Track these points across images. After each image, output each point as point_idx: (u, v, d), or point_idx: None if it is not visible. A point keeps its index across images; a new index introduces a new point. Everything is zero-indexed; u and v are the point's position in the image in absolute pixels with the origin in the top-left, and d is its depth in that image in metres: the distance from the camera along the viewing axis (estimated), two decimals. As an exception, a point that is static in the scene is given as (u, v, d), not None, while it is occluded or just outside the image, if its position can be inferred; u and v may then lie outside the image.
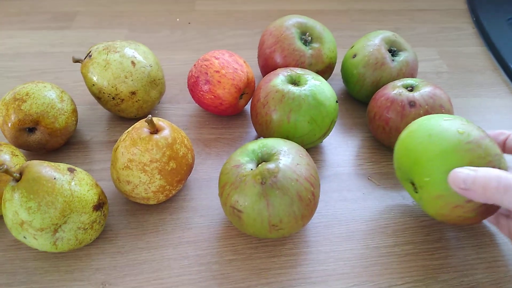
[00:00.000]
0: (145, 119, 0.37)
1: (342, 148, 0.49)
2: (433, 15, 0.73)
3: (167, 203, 0.43)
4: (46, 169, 0.34)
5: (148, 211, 0.42)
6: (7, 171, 0.32)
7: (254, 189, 0.34)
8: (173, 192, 0.40)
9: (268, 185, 0.34)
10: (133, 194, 0.39)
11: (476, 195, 0.32)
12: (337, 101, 0.45)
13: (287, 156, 0.36)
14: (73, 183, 0.34)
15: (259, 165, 0.36)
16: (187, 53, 0.62)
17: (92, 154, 0.47)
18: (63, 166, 0.36)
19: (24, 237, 0.34)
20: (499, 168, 0.33)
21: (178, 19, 0.69)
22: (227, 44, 0.64)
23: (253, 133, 0.50)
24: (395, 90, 0.46)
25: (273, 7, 0.73)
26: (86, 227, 0.35)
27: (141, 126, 0.38)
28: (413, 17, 0.72)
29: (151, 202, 0.40)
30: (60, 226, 0.34)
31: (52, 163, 0.35)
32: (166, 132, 0.38)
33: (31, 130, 0.43)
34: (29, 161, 0.34)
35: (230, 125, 0.51)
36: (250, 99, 0.52)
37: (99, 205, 0.36)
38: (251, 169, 0.36)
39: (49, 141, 0.44)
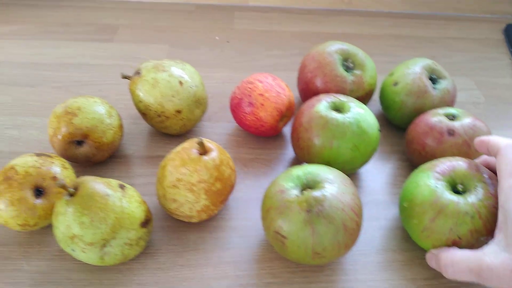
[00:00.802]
0: (197, 141, 0.38)
1: (380, 175, 0.49)
2: (468, 44, 0.73)
3: (207, 222, 0.43)
4: (100, 185, 0.35)
5: (189, 229, 0.43)
6: (63, 186, 0.34)
7: (300, 216, 0.35)
8: (215, 212, 0.41)
9: (314, 213, 0.35)
10: (177, 212, 0.40)
11: (450, 276, 0.34)
12: (379, 130, 0.45)
13: (333, 184, 0.37)
14: (124, 200, 0.35)
15: (304, 191, 0.37)
16: (226, 72, 0.63)
17: (134, 168, 0.48)
18: (114, 182, 0.37)
19: (73, 249, 0.35)
20: (459, 234, 0.36)
21: (217, 37, 0.70)
22: (265, 64, 0.65)
23: (290, 155, 0.51)
24: (436, 117, 0.46)
25: (308, 29, 0.74)
26: (132, 243, 0.36)
27: (190, 147, 0.39)
28: (448, 45, 0.72)
29: (193, 221, 0.41)
30: (109, 241, 0.35)
31: (105, 179, 0.36)
32: (214, 154, 0.39)
33: (80, 143, 0.45)
34: (83, 176, 0.36)
35: (267, 146, 0.52)
36: (288, 122, 0.52)
37: (146, 222, 0.37)
38: (296, 196, 0.36)
39: (95, 154, 0.45)
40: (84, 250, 0.35)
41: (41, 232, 0.41)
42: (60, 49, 0.65)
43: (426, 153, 0.45)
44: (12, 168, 0.38)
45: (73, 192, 0.34)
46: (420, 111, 0.50)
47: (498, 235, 0.33)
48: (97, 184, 0.35)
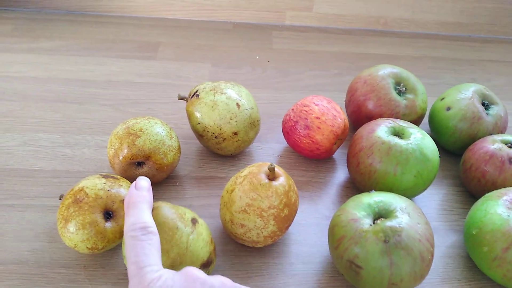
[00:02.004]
0: (269, 166, 0.38)
1: (435, 202, 0.49)
2: (507, 67, 0.73)
3: (268, 247, 0.43)
4: (173, 215, 0.35)
5: (251, 253, 0.42)
6: None
7: (377, 246, 0.35)
8: (280, 237, 0.41)
9: (392, 244, 0.34)
10: (244, 237, 0.40)
11: None
12: (439, 156, 0.45)
13: (406, 214, 0.37)
14: (191, 237, 0.35)
15: (378, 221, 0.36)
16: (269, 92, 0.63)
17: (190, 189, 0.48)
18: (189, 215, 0.36)
19: None
20: None
21: (257, 57, 0.71)
22: (307, 84, 0.66)
23: (343, 177, 0.51)
24: (495, 144, 0.46)
25: (346, 49, 0.75)
26: None
27: (259, 172, 0.39)
28: (486, 68, 0.73)
29: (259, 246, 0.41)
30: None
31: (180, 209, 0.36)
32: (282, 180, 0.39)
33: (140, 164, 0.45)
34: (160, 202, 0.36)
35: (320, 169, 0.52)
36: (341, 144, 0.52)
37: (207, 263, 0.36)
38: (370, 225, 0.36)
39: (155, 175, 0.45)
40: None
41: (104, 255, 0.41)
42: (105, 66, 0.66)
43: (486, 181, 0.45)
44: (82, 190, 0.38)
45: None
46: (474, 137, 0.50)
47: None
48: (170, 214, 0.35)
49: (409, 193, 0.44)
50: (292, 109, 0.50)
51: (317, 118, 0.48)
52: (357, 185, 0.47)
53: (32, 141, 0.52)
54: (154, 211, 0.34)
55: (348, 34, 0.79)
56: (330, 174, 0.51)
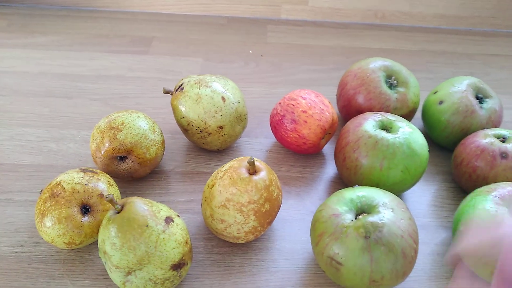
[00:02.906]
0: (248, 160, 0.37)
1: (425, 198, 0.48)
2: (508, 61, 0.71)
3: (251, 243, 0.42)
4: (145, 212, 0.34)
5: (233, 250, 0.41)
6: (111, 201, 0.33)
7: (357, 243, 0.33)
8: (262, 233, 0.40)
9: (373, 240, 0.33)
10: (224, 233, 0.39)
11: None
12: (429, 150, 0.44)
13: (389, 209, 0.35)
14: (161, 236, 0.34)
15: (360, 216, 0.35)
16: (262, 86, 0.62)
17: (174, 184, 0.48)
18: (164, 213, 0.35)
19: (105, 263, 0.34)
20: None
21: (251, 51, 0.70)
22: (300, 79, 0.64)
23: (331, 173, 0.50)
24: (487, 139, 0.44)
25: (343, 43, 0.73)
26: (157, 281, 0.34)
27: (239, 166, 0.38)
28: (487, 62, 0.71)
29: (240, 241, 0.40)
30: (134, 271, 0.33)
31: (155, 206, 0.35)
32: (263, 174, 0.38)
33: (122, 158, 0.44)
34: (134, 197, 0.35)
35: (308, 164, 0.51)
36: (330, 139, 0.51)
37: (178, 266, 0.35)
38: (352, 220, 0.35)
39: (137, 170, 0.45)
40: (111, 269, 0.34)
41: (84, 250, 0.41)
42: (96, 61, 0.65)
43: (477, 176, 0.44)
44: (59, 184, 0.38)
45: (119, 210, 0.33)
46: (466, 131, 0.49)
47: None
48: (142, 210, 0.34)
49: (397, 188, 0.43)
50: (280, 103, 0.49)
51: (304, 112, 0.47)
52: (344, 180, 0.46)
53: (18, 135, 0.52)
54: (126, 206, 0.33)
55: (345, 28, 0.77)
56: (318, 170, 0.50)
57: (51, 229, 0.37)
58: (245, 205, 0.37)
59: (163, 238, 0.34)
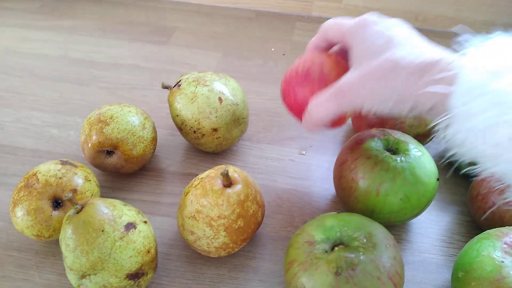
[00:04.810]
0: (221, 171, 0.34)
1: (433, 229, 0.42)
2: None
3: (227, 257, 0.39)
4: (102, 216, 0.32)
5: (207, 263, 0.39)
6: (70, 200, 0.32)
7: (326, 278, 0.30)
8: (236, 250, 0.37)
9: (343, 277, 0.29)
10: (195, 245, 0.36)
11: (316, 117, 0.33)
12: (437, 179, 0.38)
13: (371, 244, 0.31)
14: (118, 243, 0.32)
15: (336, 248, 0.31)
16: (276, 88, 0.59)
17: (163, 184, 0.46)
18: (127, 218, 0.33)
19: (63, 260, 0.33)
20: None
21: (273, 49, 0.66)
22: (319, 82, 0.60)
23: (332, 191, 0.46)
24: (511, 174, 0.38)
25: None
26: None
27: (215, 176, 0.35)
28: None
29: (212, 256, 0.37)
30: (88, 275, 0.32)
31: (119, 209, 0.33)
32: (238, 188, 0.35)
33: (109, 153, 0.43)
34: (96, 198, 0.33)
35: (308, 177, 0.47)
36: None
37: (136, 275, 0.33)
38: (326, 251, 0.31)
39: (124, 166, 0.43)
40: (67, 270, 0.32)
41: (58, 242, 0.40)
42: (115, 49, 0.65)
43: (493, 214, 0.38)
44: (34, 174, 0.37)
45: (79, 210, 0.32)
46: (493, 159, 0.42)
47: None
48: (100, 214, 0.32)
49: (394, 218, 0.38)
50: (303, 57, 0.38)
51: (337, 63, 0.35)
52: (341, 200, 0.42)
53: (25, 118, 0.53)
54: (85, 208, 0.32)
55: (381, 30, 0.71)
56: (317, 185, 0.46)
57: (21, 220, 0.36)
58: (215, 220, 0.34)
59: (119, 245, 0.32)
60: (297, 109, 0.37)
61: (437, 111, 0.27)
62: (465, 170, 0.28)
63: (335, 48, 0.38)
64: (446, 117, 0.26)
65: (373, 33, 0.31)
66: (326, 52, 0.38)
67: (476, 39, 0.27)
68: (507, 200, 0.26)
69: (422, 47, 0.29)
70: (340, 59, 0.36)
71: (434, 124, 0.28)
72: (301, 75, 0.36)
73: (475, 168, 0.26)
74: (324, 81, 0.34)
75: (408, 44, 0.29)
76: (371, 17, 0.32)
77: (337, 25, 0.35)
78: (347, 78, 0.31)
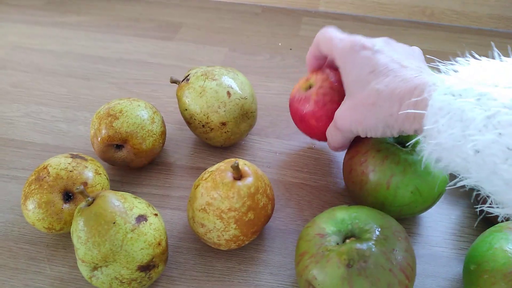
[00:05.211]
0: (232, 164, 0.34)
1: (443, 223, 0.42)
2: None
3: (237, 250, 0.39)
4: (114, 208, 0.32)
5: (217, 256, 0.39)
6: (82, 193, 0.32)
7: (338, 270, 0.30)
8: (246, 242, 0.37)
9: (355, 269, 0.29)
10: (205, 238, 0.36)
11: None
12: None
13: (383, 236, 0.31)
14: (129, 236, 0.32)
15: (347, 240, 0.31)
16: (283, 82, 0.59)
17: (173, 178, 0.46)
18: (138, 210, 0.33)
19: (75, 251, 0.33)
20: None
21: (280, 43, 0.66)
22: (327, 77, 0.60)
23: (341, 184, 0.46)
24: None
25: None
26: (123, 281, 0.33)
27: (225, 169, 0.35)
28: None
29: (222, 248, 0.37)
30: (100, 267, 0.32)
31: (130, 201, 0.33)
32: (249, 180, 0.35)
33: (119, 147, 0.43)
34: (107, 191, 0.33)
35: (317, 171, 0.47)
36: None
37: (147, 267, 0.33)
38: (337, 244, 0.31)
39: (133, 160, 0.43)
40: (78, 262, 0.33)
41: (69, 235, 0.40)
42: (121, 44, 0.65)
43: (505, 207, 0.38)
44: (45, 168, 0.37)
45: (90, 202, 0.32)
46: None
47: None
48: (111, 206, 0.32)
49: (405, 211, 0.38)
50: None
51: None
52: (350, 194, 0.42)
53: (34, 113, 0.53)
54: (96, 200, 0.32)
55: (388, 24, 0.71)
56: (326, 179, 0.46)
57: (32, 213, 0.36)
58: (225, 212, 0.34)
59: (131, 237, 0.32)
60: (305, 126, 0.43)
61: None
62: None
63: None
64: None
65: (360, 61, 0.35)
66: (323, 61, 0.43)
67: (448, 66, 0.30)
68: (489, 209, 0.27)
69: (402, 74, 0.32)
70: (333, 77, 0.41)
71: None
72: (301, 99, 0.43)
73: (458, 180, 0.28)
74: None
75: (391, 72, 0.32)
76: (358, 42, 0.36)
77: (328, 41, 0.39)
78: (342, 110, 0.37)
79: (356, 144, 0.40)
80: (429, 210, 0.43)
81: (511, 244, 0.32)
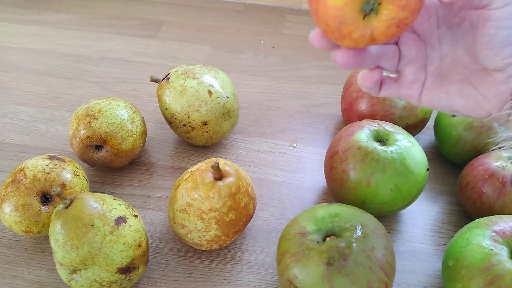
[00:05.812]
0: (212, 164, 0.34)
1: (423, 220, 0.43)
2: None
3: (219, 250, 0.39)
4: (92, 211, 0.31)
5: (199, 256, 0.39)
6: (59, 195, 0.31)
7: (318, 268, 0.30)
8: (228, 242, 0.37)
9: (335, 267, 0.29)
10: (186, 238, 0.36)
11: None
12: (427, 169, 0.39)
13: (362, 234, 0.31)
14: (108, 238, 0.31)
15: (328, 238, 0.32)
16: (266, 80, 0.58)
17: (154, 178, 0.45)
18: (117, 212, 0.33)
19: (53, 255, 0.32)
20: None
21: (262, 42, 0.66)
22: (309, 75, 0.60)
23: (324, 183, 0.46)
24: (499, 161, 0.39)
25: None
26: (103, 284, 0.32)
27: (206, 169, 0.35)
28: None
29: (203, 249, 0.37)
30: (79, 270, 0.32)
31: (109, 203, 0.33)
32: (230, 180, 0.35)
33: (98, 147, 0.42)
34: (85, 193, 0.33)
35: (300, 169, 0.47)
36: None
37: (127, 269, 0.33)
38: (318, 242, 0.31)
39: (113, 160, 0.43)
40: (57, 265, 0.32)
41: (47, 238, 0.40)
42: (103, 42, 0.64)
43: (482, 203, 0.38)
44: (22, 170, 0.37)
45: (68, 205, 0.32)
46: (480, 150, 0.43)
47: None
48: (89, 208, 0.31)
49: (386, 209, 0.38)
50: None
51: None
52: (332, 192, 0.42)
53: (12, 113, 0.52)
54: (74, 202, 0.31)
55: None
56: (308, 177, 0.46)
57: (9, 216, 0.36)
58: (206, 212, 0.34)
59: (110, 239, 0.31)
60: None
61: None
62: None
63: None
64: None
65: None
66: None
67: None
68: None
69: None
70: None
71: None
72: None
73: None
74: None
75: None
76: None
77: None
78: None
79: (336, 142, 0.40)
80: (409, 207, 0.43)
81: (487, 239, 0.32)
